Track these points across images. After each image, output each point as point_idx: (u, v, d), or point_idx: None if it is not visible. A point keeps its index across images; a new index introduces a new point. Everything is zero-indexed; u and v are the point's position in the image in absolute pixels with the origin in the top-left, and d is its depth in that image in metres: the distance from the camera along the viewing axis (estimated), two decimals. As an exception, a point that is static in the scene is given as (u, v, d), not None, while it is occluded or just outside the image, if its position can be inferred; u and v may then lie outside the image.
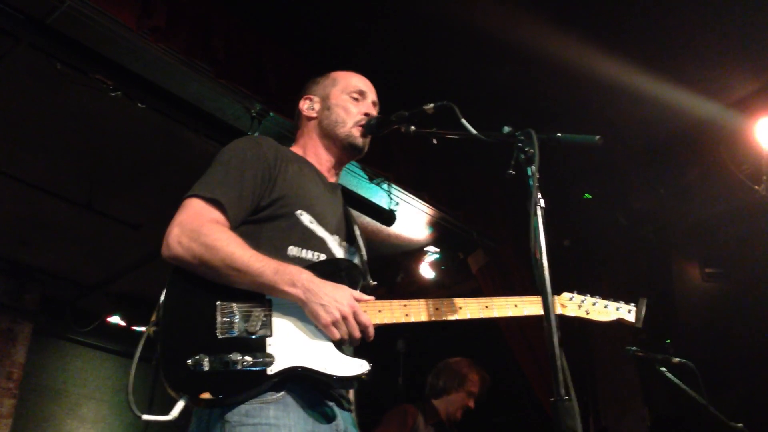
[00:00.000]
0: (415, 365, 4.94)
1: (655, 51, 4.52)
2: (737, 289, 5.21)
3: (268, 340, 1.78)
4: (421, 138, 2.12)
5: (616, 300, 2.23)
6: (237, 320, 1.78)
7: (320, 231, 2.03)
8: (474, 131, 1.97)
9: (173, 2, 3.88)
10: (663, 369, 3.56)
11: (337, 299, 1.80)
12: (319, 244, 2.01)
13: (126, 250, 6.89)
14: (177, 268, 1.84)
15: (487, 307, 2.06)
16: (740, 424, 3.40)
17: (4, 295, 7.30)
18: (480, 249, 6.21)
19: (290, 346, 1.80)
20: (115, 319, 7.95)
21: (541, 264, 1.62)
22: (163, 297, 1.81)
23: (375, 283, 2.07)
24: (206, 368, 1.69)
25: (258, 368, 1.73)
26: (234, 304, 1.81)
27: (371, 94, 2.34)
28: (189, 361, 1.69)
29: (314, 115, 2.31)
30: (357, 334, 1.81)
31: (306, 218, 2.00)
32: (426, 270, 6.67)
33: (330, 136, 2.26)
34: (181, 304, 1.81)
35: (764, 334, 4.84)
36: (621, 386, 5.73)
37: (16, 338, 7.36)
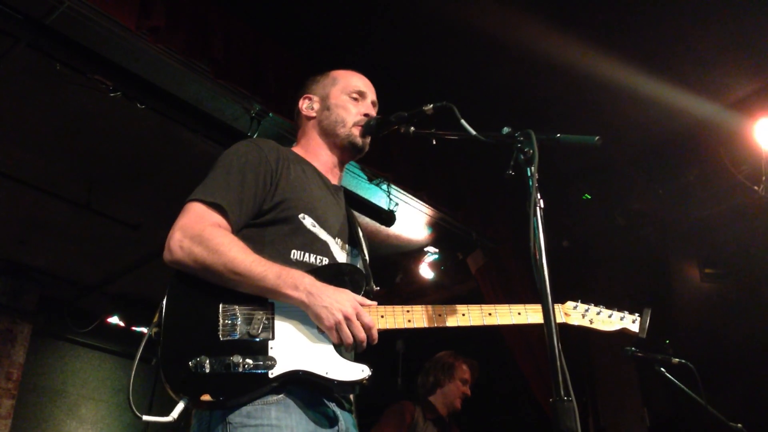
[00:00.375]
0: (414, 366, 4.94)
1: (654, 51, 4.52)
2: (736, 290, 5.21)
3: (270, 343, 1.78)
4: (421, 138, 2.11)
5: (620, 310, 2.22)
6: (239, 323, 1.78)
7: (323, 234, 2.03)
8: (473, 132, 1.96)
9: (172, 2, 3.88)
10: (662, 369, 3.56)
11: (340, 301, 1.80)
12: (322, 248, 2.01)
13: (125, 251, 6.88)
14: (179, 270, 1.84)
15: (490, 314, 2.06)
16: (739, 425, 3.40)
17: (3, 295, 7.29)
18: (479, 249, 6.21)
19: (292, 349, 1.80)
20: (114, 320, 7.94)
21: (541, 264, 1.62)
22: (165, 299, 1.81)
23: (378, 288, 2.07)
24: (207, 370, 1.69)
25: (259, 371, 1.73)
26: (236, 307, 1.81)
27: (371, 94, 2.33)
28: (190, 363, 1.69)
29: (314, 114, 2.30)
30: (361, 335, 1.81)
31: (309, 222, 1.99)
32: (425, 270, 6.67)
33: (330, 136, 2.25)
34: (183, 305, 1.81)
35: (763, 334, 4.84)
36: (620, 386, 5.73)
37: (15, 339, 7.35)
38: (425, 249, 6.66)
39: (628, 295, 5.57)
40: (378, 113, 2.31)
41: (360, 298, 1.89)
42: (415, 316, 1.98)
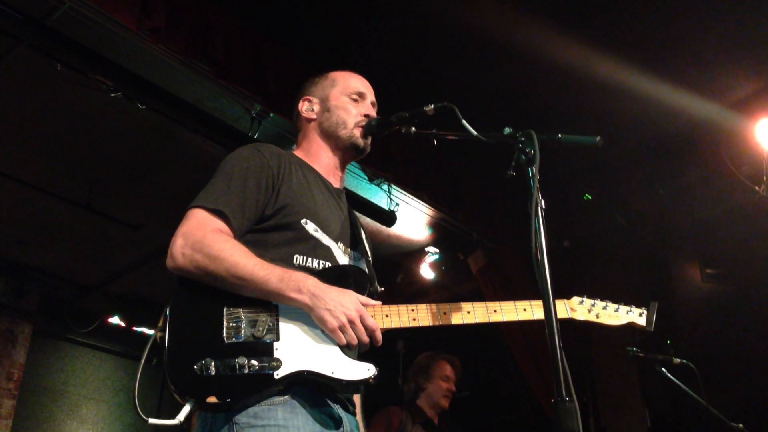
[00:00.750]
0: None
1: (655, 51, 4.52)
2: (737, 290, 5.21)
3: (275, 345, 1.79)
4: (421, 139, 2.11)
5: (626, 304, 2.21)
6: (243, 325, 1.79)
7: (325, 239, 2.03)
8: (474, 132, 1.96)
9: (173, 3, 3.88)
10: (663, 369, 3.56)
11: (344, 304, 1.81)
12: (325, 253, 2.01)
13: (126, 251, 6.89)
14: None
15: (495, 311, 2.05)
16: (740, 425, 3.40)
17: (4, 295, 7.29)
18: (480, 250, 6.21)
19: (297, 350, 1.80)
20: (114, 320, 7.94)
21: (542, 264, 1.62)
22: (169, 303, 1.81)
23: (382, 289, 2.07)
24: (213, 372, 1.69)
25: (265, 372, 1.73)
26: (241, 310, 1.81)
27: (370, 95, 2.33)
28: (195, 366, 1.69)
29: (314, 116, 2.30)
30: (364, 338, 1.82)
31: (311, 227, 1.99)
32: (426, 271, 6.67)
33: (332, 138, 2.25)
34: (187, 310, 1.81)
35: (764, 334, 4.84)
36: (621, 387, 5.73)
37: (16, 339, 7.36)
38: (426, 249, 6.66)
39: (629, 295, 5.55)
40: (378, 114, 2.30)
41: (364, 298, 1.89)
42: (420, 315, 1.98)
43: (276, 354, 1.77)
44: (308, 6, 4.35)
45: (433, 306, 2.00)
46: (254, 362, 1.72)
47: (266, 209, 1.97)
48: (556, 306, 1.58)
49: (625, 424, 5.63)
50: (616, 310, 2.19)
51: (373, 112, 2.30)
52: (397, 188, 5.52)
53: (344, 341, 1.80)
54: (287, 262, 1.91)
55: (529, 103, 4.87)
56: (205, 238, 1.82)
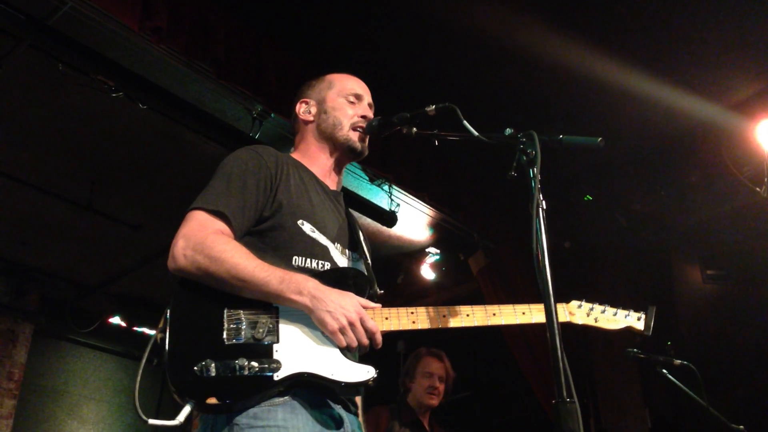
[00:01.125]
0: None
1: (656, 53, 4.52)
2: (738, 291, 5.21)
3: (275, 347, 1.79)
4: (422, 139, 2.11)
5: (624, 308, 2.21)
6: (244, 327, 1.79)
7: (323, 240, 2.03)
8: (476, 133, 1.96)
9: (174, 3, 3.88)
10: (664, 371, 3.56)
11: (344, 306, 1.81)
12: (323, 253, 2.01)
13: (126, 251, 6.89)
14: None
15: (494, 314, 2.06)
16: (741, 426, 3.39)
17: (5, 295, 7.30)
18: (480, 250, 6.21)
19: (297, 352, 1.80)
20: (115, 320, 7.94)
21: (543, 265, 1.62)
22: (170, 305, 1.82)
23: (382, 291, 2.07)
24: (213, 374, 1.70)
25: (265, 374, 1.73)
26: (241, 312, 1.81)
27: (367, 96, 2.34)
28: (196, 367, 1.70)
29: (311, 118, 2.31)
30: (364, 340, 1.82)
31: (308, 227, 2.00)
32: (426, 271, 6.67)
33: (329, 140, 2.26)
34: (188, 310, 1.82)
35: (765, 335, 4.84)
36: (622, 388, 5.73)
37: (17, 339, 7.36)
38: (426, 250, 6.66)
39: (630, 296, 5.57)
40: (378, 114, 2.30)
41: (364, 300, 1.89)
42: (419, 318, 1.98)
43: (276, 355, 1.77)
44: (309, 7, 4.35)
45: (432, 309, 2.01)
46: (254, 364, 1.73)
47: (265, 210, 1.97)
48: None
49: (626, 425, 5.63)
50: (615, 314, 2.20)
51: (370, 114, 2.30)
52: (397, 189, 5.52)
53: (344, 343, 1.80)
54: (286, 263, 1.92)
55: (530, 104, 4.87)
56: (206, 239, 1.82)
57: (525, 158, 1.78)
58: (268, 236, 1.96)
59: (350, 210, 2.29)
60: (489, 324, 2.04)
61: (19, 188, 5.81)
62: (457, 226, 5.99)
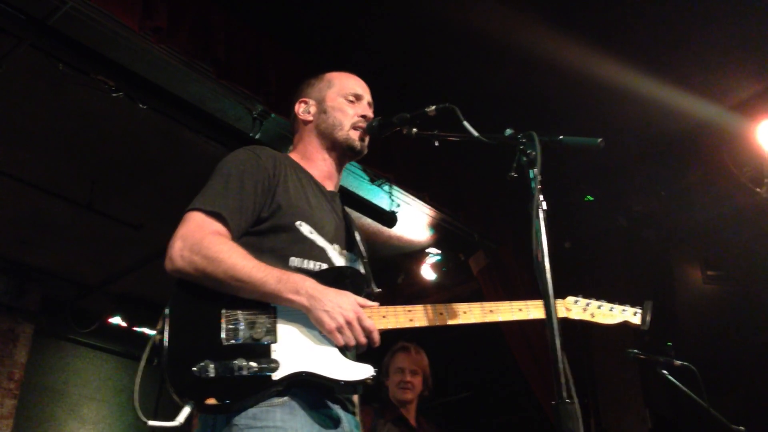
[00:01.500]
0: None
1: (657, 53, 4.52)
2: (739, 292, 5.21)
3: (273, 347, 1.79)
4: (423, 140, 2.11)
5: (620, 303, 2.22)
6: (242, 327, 1.79)
7: (320, 241, 2.03)
8: (476, 133, 1.96)
9: (174, 3, 3.88)
10: (664, 371, 3.56)
11: (341, 305, 1.81)
12: (320, 254, 2.01)
13: (127, 251, 6.89)
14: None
15: (491, 311, 2.06)
16: (741, 427, 3.39)
17: (5, 295, 7.30)
18: (481, 250, 6.21)
19: (295, 352, 1.81)
20: (116, 320, 7.94)
21: (543, 266, 1.61)
22: (168, 306, 1.82)
23: (379, 290, 2.07)
24: (212, 374, 1.70)
25: (263, 374, 1.74)
26: (239, 312, 1.82)
27: (366, 96, 2.33)
28: (194, 368, 1.70)
29: (310, 118, 2.31)
30: (362, 339, 1.82)
31: (306, 229, 2.00)
32: (427, 271, 6.67)
33: (328, 140, 2.26)
34: (186, 311, 1.82)
35: (766, 336, 4.83)
36: (622, 388, 5.72)
37: (17, 339, 7.36)
38: (427, 250, 6.65)
39: (630, 297, 5.55)
40: (378, 114, 2.30)
41: (361, 299, 1.89)
42: (416, 316, 1.99)
43: (274, 355, 1.78)
44: (310, 6, 4.35)
45: (430, 307, 2.01)
46: (252, 364, 1.73)
47: (262, 211, 1.97)
48: (553, 306, 1.59)
49: (626, 425, 5.62)
50: (611, 310, 2.21)
51: (369, 113, 2.29)
52: (398, 189, 5.52)
53: (342, 342, 1.81)
54: (284, 264, 1.92)
55: (530, 105, 4.87)
56: (203, 240, 1.82)
57: (525, 159, 1.78)
58: (266, 237, 1.96)
59: (347, 209, 2.29)
60: (486, 321, 2.05)
61: (20, 188, 5.81)
62: (457, 226, 5.99)
